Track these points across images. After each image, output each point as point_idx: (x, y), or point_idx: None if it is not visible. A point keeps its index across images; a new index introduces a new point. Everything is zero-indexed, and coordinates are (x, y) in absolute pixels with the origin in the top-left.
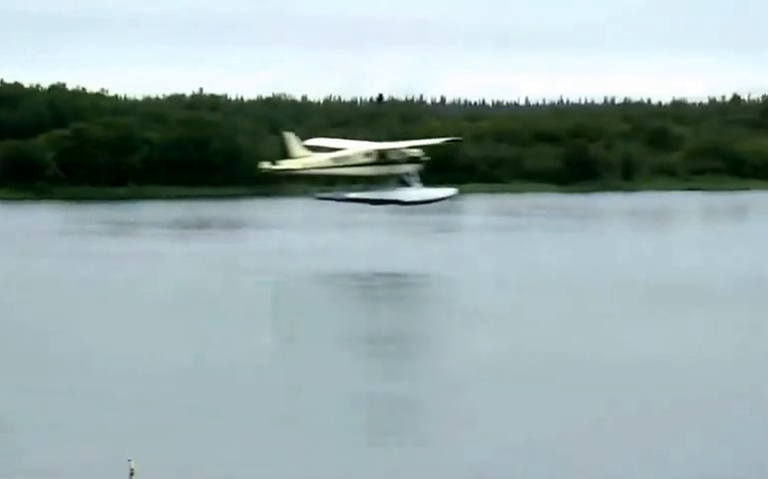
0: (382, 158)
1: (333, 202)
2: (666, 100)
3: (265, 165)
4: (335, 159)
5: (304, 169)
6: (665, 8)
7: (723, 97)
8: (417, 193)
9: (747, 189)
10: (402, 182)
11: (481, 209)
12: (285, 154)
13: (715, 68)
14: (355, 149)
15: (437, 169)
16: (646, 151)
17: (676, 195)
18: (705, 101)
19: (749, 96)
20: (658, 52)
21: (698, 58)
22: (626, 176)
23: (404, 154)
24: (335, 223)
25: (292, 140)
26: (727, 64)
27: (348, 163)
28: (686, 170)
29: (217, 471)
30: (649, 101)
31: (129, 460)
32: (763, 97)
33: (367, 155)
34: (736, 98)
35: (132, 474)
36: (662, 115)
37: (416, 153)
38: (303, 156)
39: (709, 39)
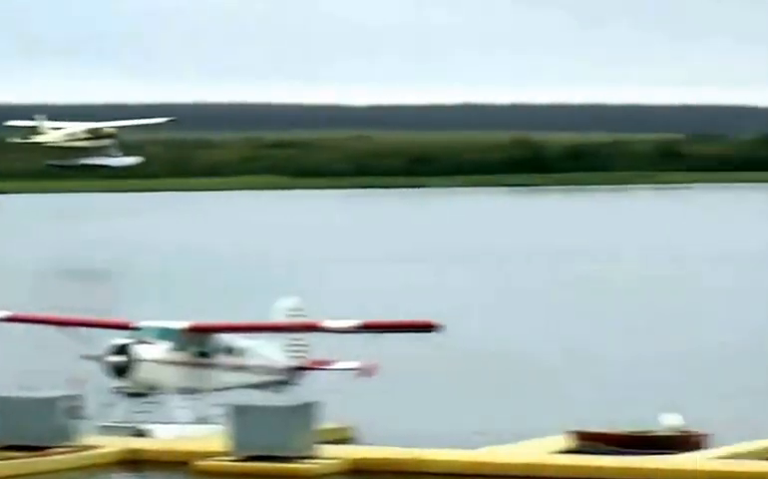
0: (95, 134)
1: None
2: None
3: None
4: (67, 135)
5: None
6: None
7: None
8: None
9: None
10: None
11: None
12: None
13: None
14: (78, 127)
15: None
16: None
17: None
18: None
19: None
20: None
21: None
22: None
23: (108, 132)
24: None
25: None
26: None
27: (75, 138)
28: None
29: None
30: None
31: None
32: None
33: (87, 131)
34: None
35: None
36: None
37: (113, 131)
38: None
39: None
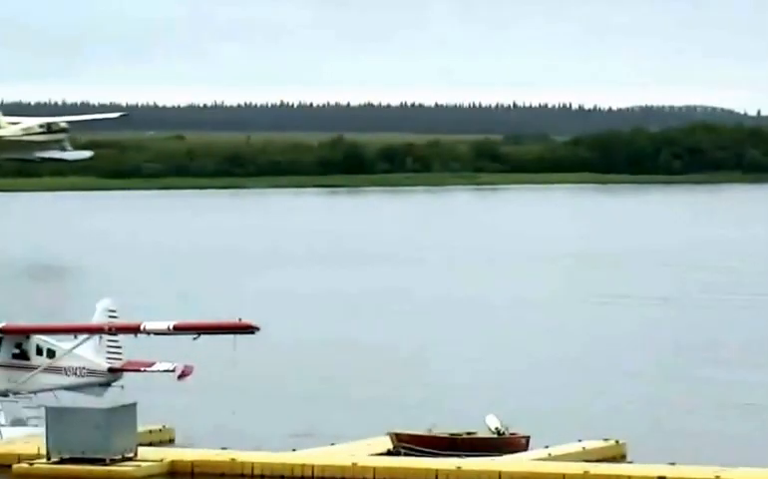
0: (49, 128)
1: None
2: None
3: None
4: (23, 129)
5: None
6: None
7: None
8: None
9: None
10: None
11: None
12: None
13: None
14: (34, 122)
15: None
16: None
17: None
18: None
19: None
20: None
21: None
22: None
23: (61, 126)
24: None
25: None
26: None
27: (31, 132)
28: None
29: None
30: None
31: None
32: None
33: (41, 126)
34: None
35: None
36: None
37: (66, 126)
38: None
39: None
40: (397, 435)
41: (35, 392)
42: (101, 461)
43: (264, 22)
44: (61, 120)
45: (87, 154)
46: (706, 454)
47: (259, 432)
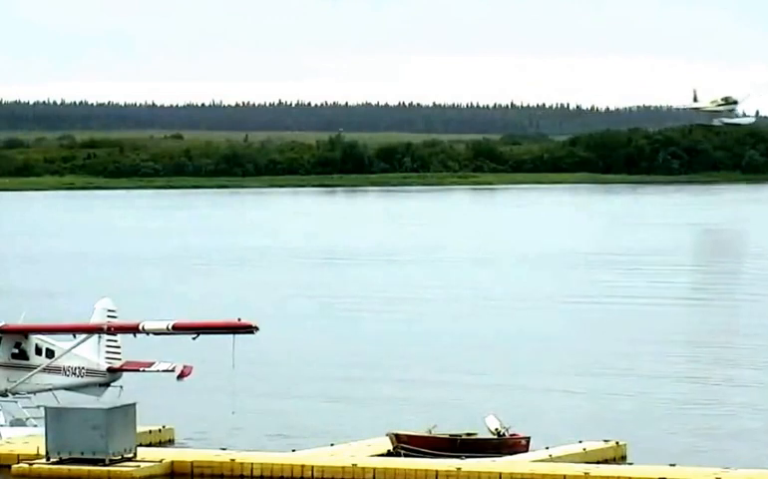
0: (725, 100)
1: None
2: None
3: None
4: (711, 100)
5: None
6: None
7: None
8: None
9: None
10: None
11: None
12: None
13: None
14: (718, 95)
15: None
16: None
17: None
18: None
19: None
20: None
21: None
22: None
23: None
24: None
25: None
26: None
27: (716, 103)
28: None
29: None
30: None
31: None
32: None
33: (722, 99)
34: None
35: None
36: None
37: (736, 99)
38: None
39: None
40: (397, 436)
41: (34, 392)
42: (100, 461)
43: (263, 21)
44: (732, 96)
45: (750, 120)
46: (707, 456)
47: (259, 432)
